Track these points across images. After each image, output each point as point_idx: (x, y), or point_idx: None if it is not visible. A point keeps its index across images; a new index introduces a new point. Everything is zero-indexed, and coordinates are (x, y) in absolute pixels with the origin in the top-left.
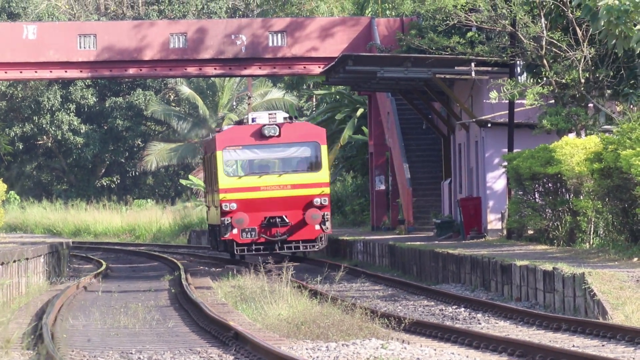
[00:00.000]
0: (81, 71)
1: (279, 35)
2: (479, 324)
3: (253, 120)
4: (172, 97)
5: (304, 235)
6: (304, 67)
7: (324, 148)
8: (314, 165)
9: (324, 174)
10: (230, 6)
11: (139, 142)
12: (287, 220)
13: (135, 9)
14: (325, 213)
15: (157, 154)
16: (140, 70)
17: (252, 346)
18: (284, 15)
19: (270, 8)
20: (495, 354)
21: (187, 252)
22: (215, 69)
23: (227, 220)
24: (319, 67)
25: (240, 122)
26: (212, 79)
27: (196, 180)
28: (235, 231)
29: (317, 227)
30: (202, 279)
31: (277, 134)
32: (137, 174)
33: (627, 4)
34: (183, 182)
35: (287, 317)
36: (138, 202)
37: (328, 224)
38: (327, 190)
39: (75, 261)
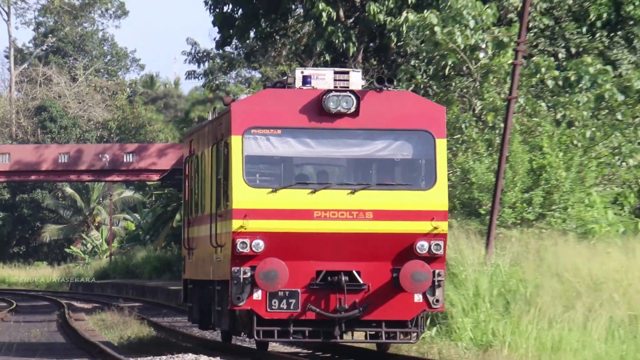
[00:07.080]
0: None
1: (131, 154)
2: None
3: (305, 80)
4: (59, 194)
5: (391, 311)
6: (147, 176)
7: (441, 144)
8: (421, 175)
9: (439, 194)
10: (99, 135)
11: (38, 224)
12: (361, 281)
13: (36, 136)
14: (438, 271)
15: (50, 232)
16: (39, 177)
17: (110, 358)
18: (134, 141)
19: (125, 136)
20: None
21: (70, 296)
22: (88, 176)
23: (245, 273)
24: (157, 175)
25: (279, 85)
26: (86, 183)
27: (74, 249)
28: (258, 295)
29: (419, 297)
30: (78, 314)
31: (353, 110)
32: (36, 244)
33: None
34: (67, 250)
35: None
36: (37, 263)
37: (440, 292)
38: (444, 226)
39: None
